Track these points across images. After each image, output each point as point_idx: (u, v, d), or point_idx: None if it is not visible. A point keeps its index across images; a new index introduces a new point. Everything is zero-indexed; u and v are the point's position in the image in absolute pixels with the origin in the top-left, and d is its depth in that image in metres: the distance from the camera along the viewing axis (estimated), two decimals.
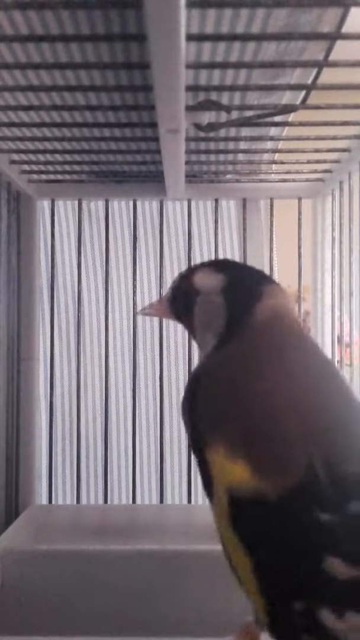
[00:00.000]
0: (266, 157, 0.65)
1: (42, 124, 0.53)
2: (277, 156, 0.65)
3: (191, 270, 0.40)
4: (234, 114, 0.50)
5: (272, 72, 0.48)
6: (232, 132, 0.56)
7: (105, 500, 0.72)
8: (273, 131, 0.59)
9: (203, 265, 0.40)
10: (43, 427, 0.75)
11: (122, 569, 0.52)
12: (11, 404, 0.69)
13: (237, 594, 0.32)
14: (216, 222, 0.72)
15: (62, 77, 0.46)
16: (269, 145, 0.63)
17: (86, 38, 0.41)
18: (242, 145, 0.62)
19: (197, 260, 0.79)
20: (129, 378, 0.76)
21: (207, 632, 0.36)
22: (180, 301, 0.40)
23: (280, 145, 0.63)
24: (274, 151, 0.62)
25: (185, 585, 0.51)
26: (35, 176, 0.67)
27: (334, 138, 0.54)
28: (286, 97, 0.54)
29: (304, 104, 0.52)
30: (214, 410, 0.33)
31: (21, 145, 0.58)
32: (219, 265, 0.40)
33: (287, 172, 0.67)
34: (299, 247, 0.71)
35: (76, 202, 0.72)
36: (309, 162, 0.62)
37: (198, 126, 0.50)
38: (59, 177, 0.68)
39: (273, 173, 0.69)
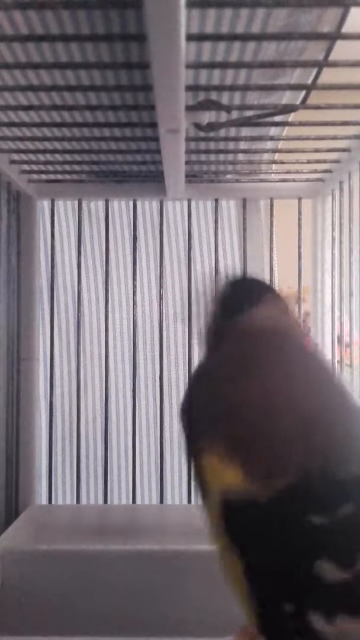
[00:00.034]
0: (266, 157, 0.65)
1: (42, 124, 0.53)
2: (277, 156, 0.65)
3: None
4: (234, 114, 0.50)
5: (272, 72, 0.48)
6: (232, 132, 0.56)
7: (105, 500, 0.72)
8: (273, 131, 0.59)
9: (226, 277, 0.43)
10: (43, 427, 0.75)
11: (122, 569, 0.52)
12: (11, 404, 0.69)
13: None
14: (216, 222, 0.72)
15: (62, 77, 0.46)
16: (269, 145, 0.63)
17: (86, 38, 0.41)
18: (242, 145, 0.62)
19: (197, 260, 0.79)
20: (129, 378, 0.77)
21: (207, 632, 0.36)
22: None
23: (280, 145, 0.63)
24: (274, 151, 0.62)
25: (185, 585, 0.51)
26: (35, 176, 0.67)
27: (334, 138, 0.54)
28: (286, 97, 0.54)
29: (304, 104, 0.52)
30: (208, 413, 0.33)
31: (21, 145, 0.58)
32: (234, 278, 0.43)
33: (287, 172, 0.68)
34: (299, 247, 0.71)
35: (76, 202, 0.72)
36: (309, 162, 0.62)
37: (198, 126, 0.50)
38: (59, 177, 0.68)
39: (273, 173, 0.69)
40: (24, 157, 0.61)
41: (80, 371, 0.72)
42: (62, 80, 0.47)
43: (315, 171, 0.66)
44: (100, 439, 0.75)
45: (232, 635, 0.35)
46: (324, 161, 0.62)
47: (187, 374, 0.71)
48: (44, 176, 0.67)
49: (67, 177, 0.68)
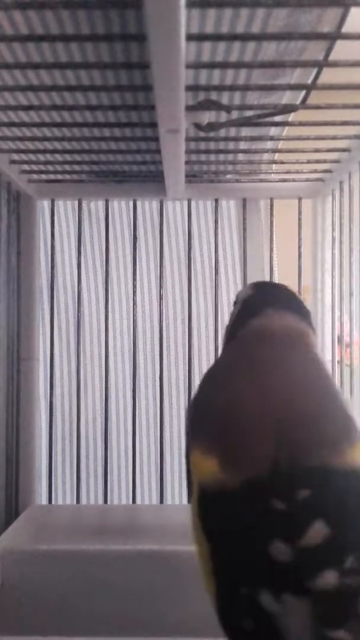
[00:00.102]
0: (266, 157, 0.65)
1: (42, 124, 0.53)
2: (277, 156, 0.65)
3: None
4: (234, 114, 0.50)
5: (272, 72, 0.48)
6: (232, 132, 0.56)
7: (105, 500, 0.72)
8: (273, 131, 0.59)
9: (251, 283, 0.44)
10: (43, 427, 0.75)
11: (122, 569, 0.52)
12: (11, 404, 0.69)
13: None
14: (216, 222, 0.72)
15: (62, 77, 0.46)
16: (269, 145, 0.63)
17: (86, 38, 0.41)
18: (242, 145, 0.62)
19: (197, 260, 0.79)
20: (129, 378, 0.77)
21: (207, 632, 0.36)
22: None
23: (280, 145, 0.63)
24: (274, 151, 0.62)
25: (185, 585, 0.51)
26: (35, 176, 0.67)
27: (334, 138, 0.54)
28: (286, 97, 0.54)
29: (304, 104, 0.52)
30: (201, 413, 0.35)
31: (21, 145, 0.58)
32: (259, 283, 0.44)
33: (287, 172, 0.68)
34: (299, 247, 0.71)
35: (76, 202, 0.72)
36: (309, 162, 0.62)
37: (198, 126, 0.50)
38: (59, 177, 0.68)
39: (273, 173, 0.69)
40: (24, 157, 0.61)
41: (80, 371, 0.72)
42: (62, 80, 0.47)
43: (315, 171, 0.66)
44: (100, 439, 0.75)
45: None
46: (324, 161, 0.62)
47: (187, 374, 0.71)
48: (44, 176, 0.67)
49: (67, 177, 0.68)
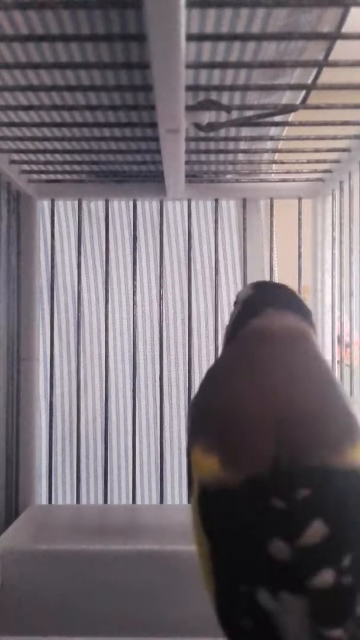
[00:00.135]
0: (266, 157, 0.65)
1: (42, 124, 0.53)
2: (277, 156, 0.65)
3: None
4: (234, 114, 0.50)
5: (272, 72, 0.48)
6: (232, 132, 0.56)
7: (105, 500, 0.72)
8: (273, 131, 0.59)
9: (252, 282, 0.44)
10: (43, 427, 0.75)
11: (122, 569, 0.52)
12: (11, 404, 0.69)
13: None
14: (216, 222, 0.72)
15: (62, 77, 0.46)
16: (269, 145, 0.63)
17: (86, 38, 0.41)
18: (242, 145, 0.62)
19: (197, 260, 0.79)
20: (129, 378, 0.77)
21: (207, 632, 0.36)
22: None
23: (280, 145, 0.63)
24: (274, 151, 0.62)
25: (185, 585, 0.51)
26: (35, 176, 0.67)
27: (334, 138, 0.54)
28: (286, 97, 0.54)
29: (304, 104, 0.52)
30: (202, 412, 0.35)
31: (21, 145, 0.58)
32: (259, 283, 0.44)
33: (287, 172, 0.68)
34: (299, 247, 0.71)
35: (76, 202, 0.72)
36: (309, 162, 0.62)
37: (198, 126, 0.50)
38: (59, 177, 0.68)
39: (273, 173, 0.69)
40: (24, 157, 0.61)
41: (80, 371, 0.72)
42: (62, 80, 0.47)
43: (315, 171, 0.66)
44: (100, 439, 0.75)
45: None
46: (324, 161, 0.62)
47: (187, 374, 0.71)
48: (44, 176, 0.67)
49: (67, 177, 0.68)
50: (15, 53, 0.43)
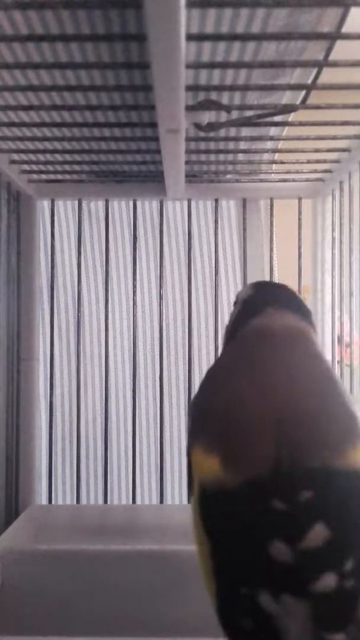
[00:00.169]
0: (266, 157, 0.65)
1: (42, 124, 0.53)
2: (277, 156, 0.65)
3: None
4: (234, 114, 0.50)
5: (272, 72, 0.48)
6: (232, 132, 0.56)
7: (105, 501, 0.72)
8: (273, 131, 0.59)
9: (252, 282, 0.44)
10: (43, 427, 0.75)
11: (122, 569, 0.52)
12: (11, 404, 0.69)
13: None
14: (216, 222, 0.72)
15: (62, 77, 0.46)
16: (269, 145, 0.63)
17: (86, 38, 0.41)
18: (242, 145, 0.62)
19: (197, 260, 0.79)
20: (129, 378, 0.77)
21: (207, 632, 0.36)
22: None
23: (280, 145, 0.63)
24: (274, 151, 0.62)
25: (185, 585, 0.51)
26: (35, 176, 0.67)
27: (334, 138, 0.54)
28: (286, 97, 0.54)
29: (304, 104, 0.52)
30: (202, 412, 0.35)
31: (21, 145, 0.58)
32: (259, 283, 0.44)
33: (287, 172, 0.68)
34: (299, 247, 0.71)
35: (76, 202, 0.72)
36: (309, 162, 0.62)
37: (198, 126, 0.50)
38: (59, 177, 0.68)
39: (273, 173, 0.69)
40: (24, 157, 0.61)
41: (80, 371, 0.72)
42: (62, 80, 0.47)
43: (315, 171, 0.66)
44: (100, 439, 0.75)
45: None
46: (324, 161, 0.62)
47: (187, 374, 0.71)
48: (44, 176, 0.67)
49: (67, 177, 0.68)
50: (15, 53, 0.43)
